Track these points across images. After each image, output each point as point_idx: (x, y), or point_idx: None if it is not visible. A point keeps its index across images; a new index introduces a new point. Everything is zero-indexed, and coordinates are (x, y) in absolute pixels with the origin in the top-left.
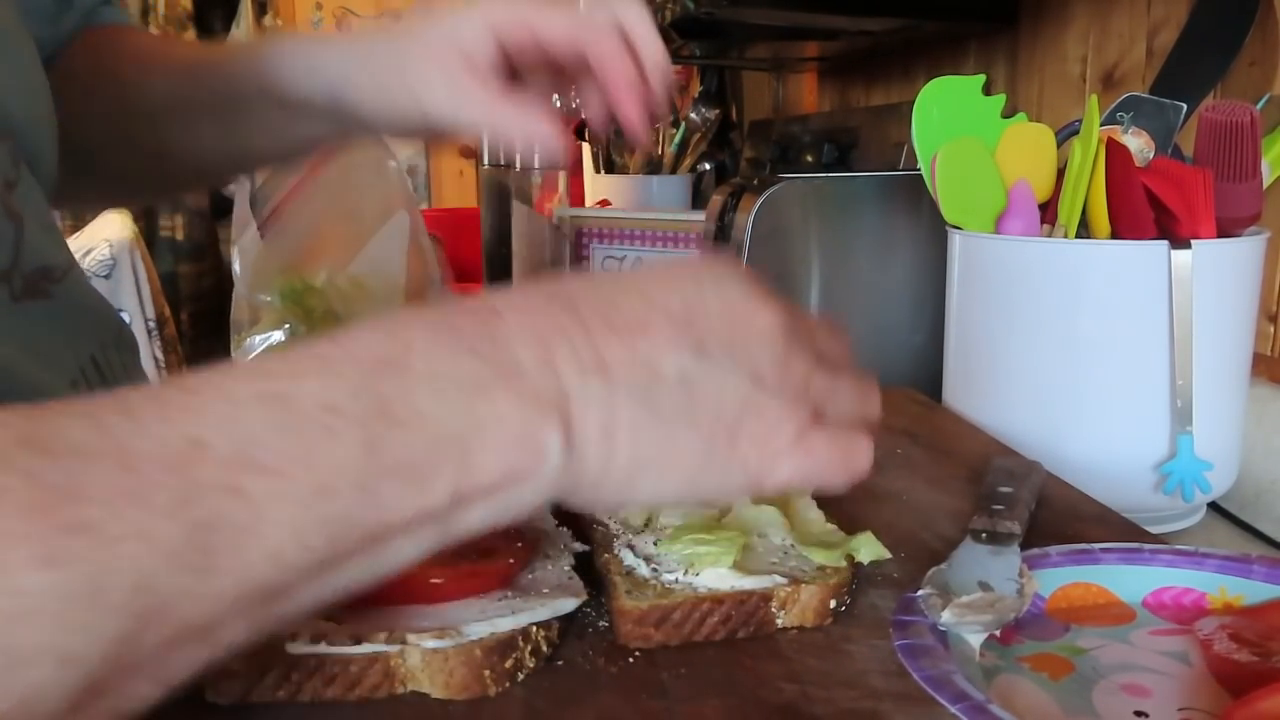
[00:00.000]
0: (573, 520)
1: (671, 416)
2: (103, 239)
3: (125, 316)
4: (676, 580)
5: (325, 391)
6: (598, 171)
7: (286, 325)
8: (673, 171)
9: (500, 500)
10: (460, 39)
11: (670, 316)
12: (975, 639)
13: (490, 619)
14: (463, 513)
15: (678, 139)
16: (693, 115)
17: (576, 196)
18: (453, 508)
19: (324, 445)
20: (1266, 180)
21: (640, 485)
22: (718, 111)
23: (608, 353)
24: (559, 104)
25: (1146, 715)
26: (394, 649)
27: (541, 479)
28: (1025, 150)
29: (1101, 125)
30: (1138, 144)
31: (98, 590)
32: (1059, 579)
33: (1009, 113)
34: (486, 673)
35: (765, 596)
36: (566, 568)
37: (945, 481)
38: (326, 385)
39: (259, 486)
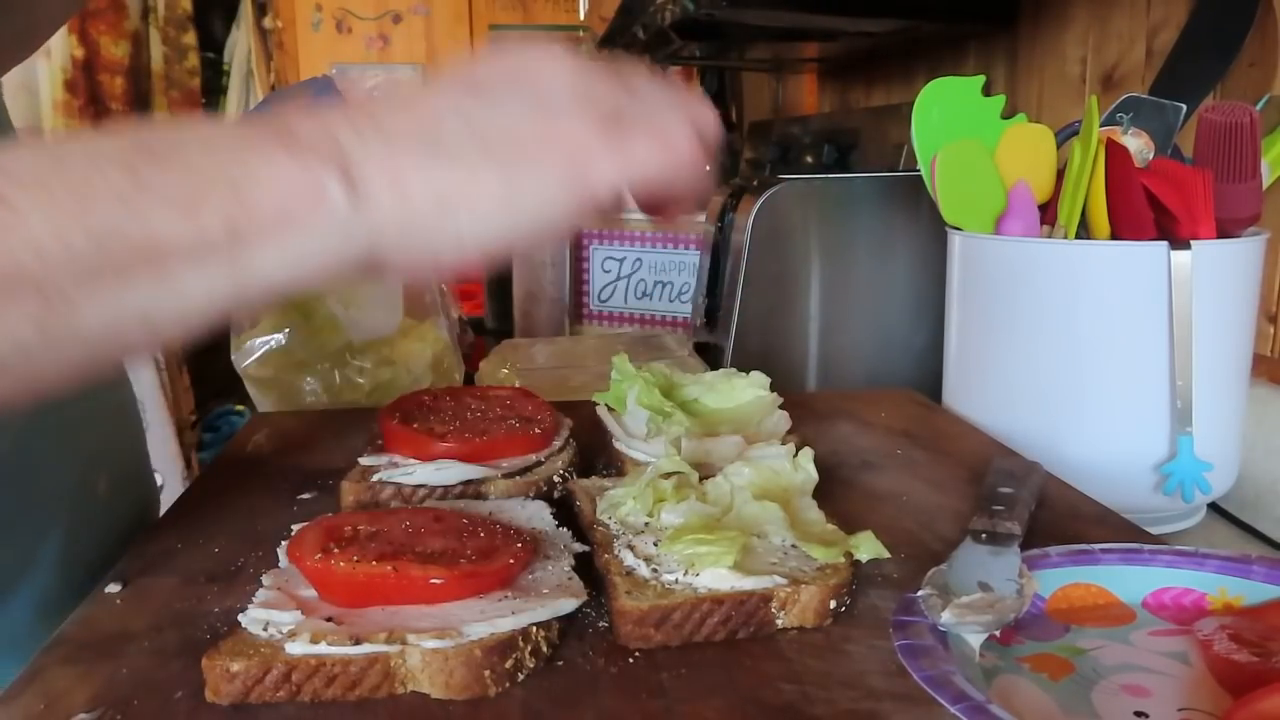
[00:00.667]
0: (573, 521)
1: (460, 153)
2: None
3: None
4: (676, 581)
5: (100, 141)
6: None
7: (287, 330)
8: None
9: (289, 243)
10: None
11: (452, 83)
12: (975, 639)
13: (490, 619)
14: (248, 252)
15: None
16: None
17: None
18: (233, 243)
19: (87, 171)
20: (1266, 181)
21: (453, 225)
22: (718, 112)
23: (386, 120)
24: None
25: (1146, 715)
26: (394, 649)
27: (330, 224)
28: (1025, 151)
29: (1101, 126)
30: (1137, 144)
31: None
32: (1059, 579)
33: (1009, 113)
34: (486, 673)
35: (765, 597)
36: (566, 568)
37: (945, 482)
38: (103, 139)
39: (23, 197)
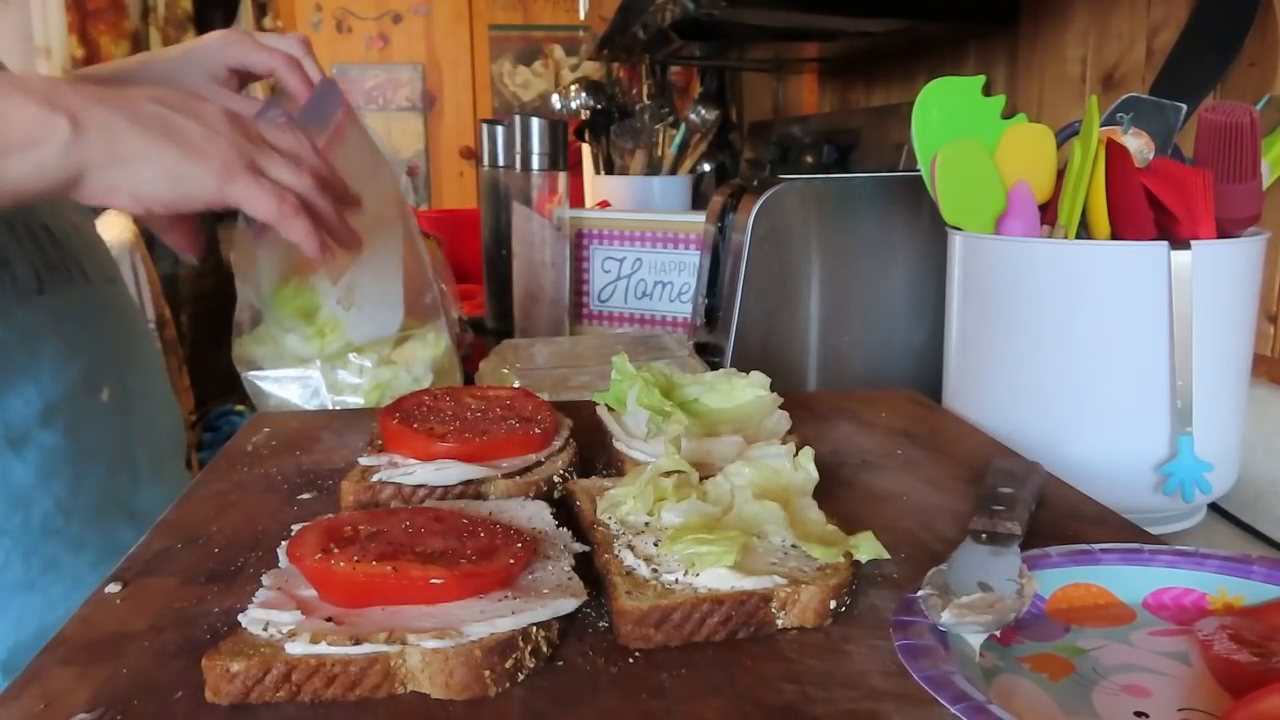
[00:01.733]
0: (573, 521)
1: (153, 130)
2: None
3: None
4: (676, 581)
5: None
6: (598, 173)
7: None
8: (673, 172)
9: (28, 157)
10: (207, 66)
11: (144, 93)
12: (975, 639)
13: (490, 619)
14: (3, 162)
15: (678, 140)
16: (693, 116)
17: (576, 198)
18: None
19: None
20: (1266, 181)
21: (137, 172)
22: (718, 112)
23: (103, 94)
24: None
25: (1146, 715)
26: (394, 649)
27: (56, 148)
28: (1025, 151)
29: (1101, 126)
30: (1137, 144)
31: None
32: (1059, 579)
33: (1009, 113)
34: (486, 673)
35: (765, 597)
36: (566, 568)
37: (945, 482)
38: None
39: None
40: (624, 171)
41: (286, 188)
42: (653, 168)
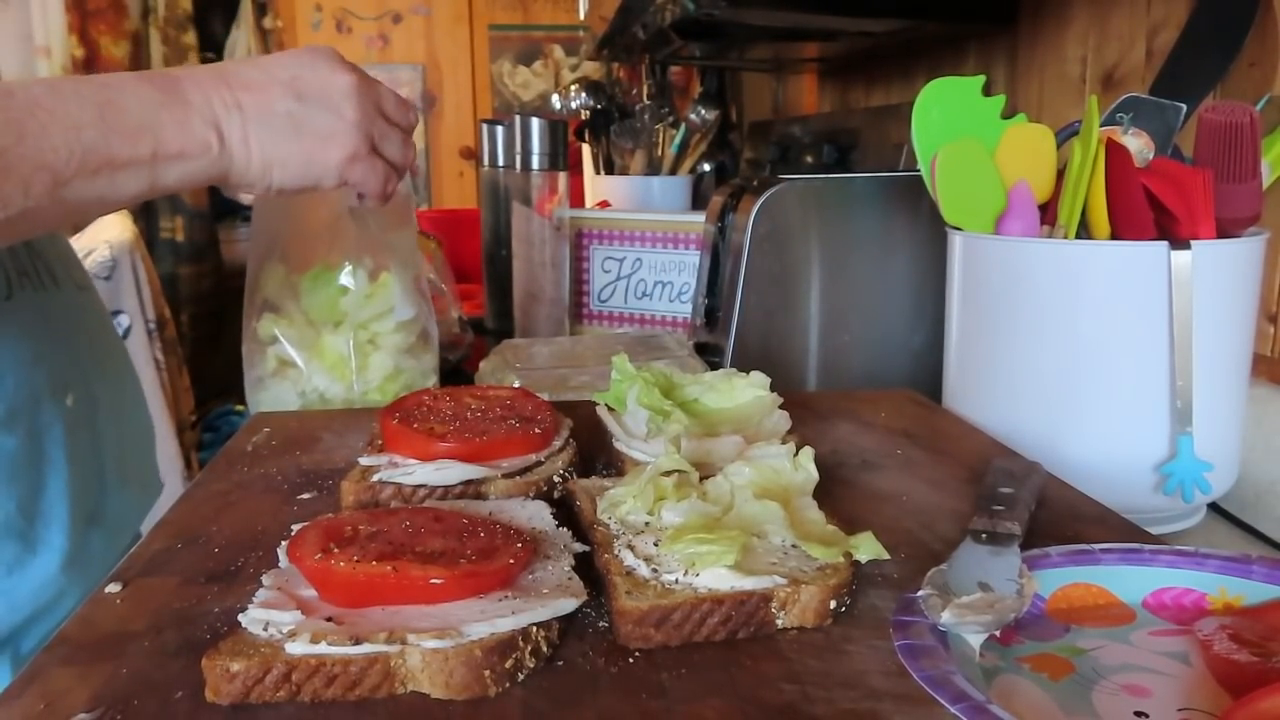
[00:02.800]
0: (573, 521)
1: (285, 132)
2: (103, 240)
3: (125, 318)
4: (677, 581)
5: (78, 84)
6: (598, 173)
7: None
8: (673, 172)
9: (185, 166)
10: None
11: (280, 81)
12: (975, 639)
13: (490, 619)
14: (160, 169)
15: (678, 140)
16: (692, 116)
17: (576, 198)
18: (154, 164)
19: (76, 107)
20: (1266, 180)
21: (273, 172)
22: (718, 112)
23: (243, 99)
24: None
25: (1146, 715)
26: (394, 649)
27: (208, 160)
28: (1025, 151)
29: (1101, 126)
30: (1137, 145)
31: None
32: (1059, 579)
33: (1009, 113)
34: (486, 673)
35: (765, 597)
36: (566, 568)
37: (945, 482)
38: (79, 83)
39: (40, 117)
40: (624, 171)
41: (392, 164)
42: (653, 168)
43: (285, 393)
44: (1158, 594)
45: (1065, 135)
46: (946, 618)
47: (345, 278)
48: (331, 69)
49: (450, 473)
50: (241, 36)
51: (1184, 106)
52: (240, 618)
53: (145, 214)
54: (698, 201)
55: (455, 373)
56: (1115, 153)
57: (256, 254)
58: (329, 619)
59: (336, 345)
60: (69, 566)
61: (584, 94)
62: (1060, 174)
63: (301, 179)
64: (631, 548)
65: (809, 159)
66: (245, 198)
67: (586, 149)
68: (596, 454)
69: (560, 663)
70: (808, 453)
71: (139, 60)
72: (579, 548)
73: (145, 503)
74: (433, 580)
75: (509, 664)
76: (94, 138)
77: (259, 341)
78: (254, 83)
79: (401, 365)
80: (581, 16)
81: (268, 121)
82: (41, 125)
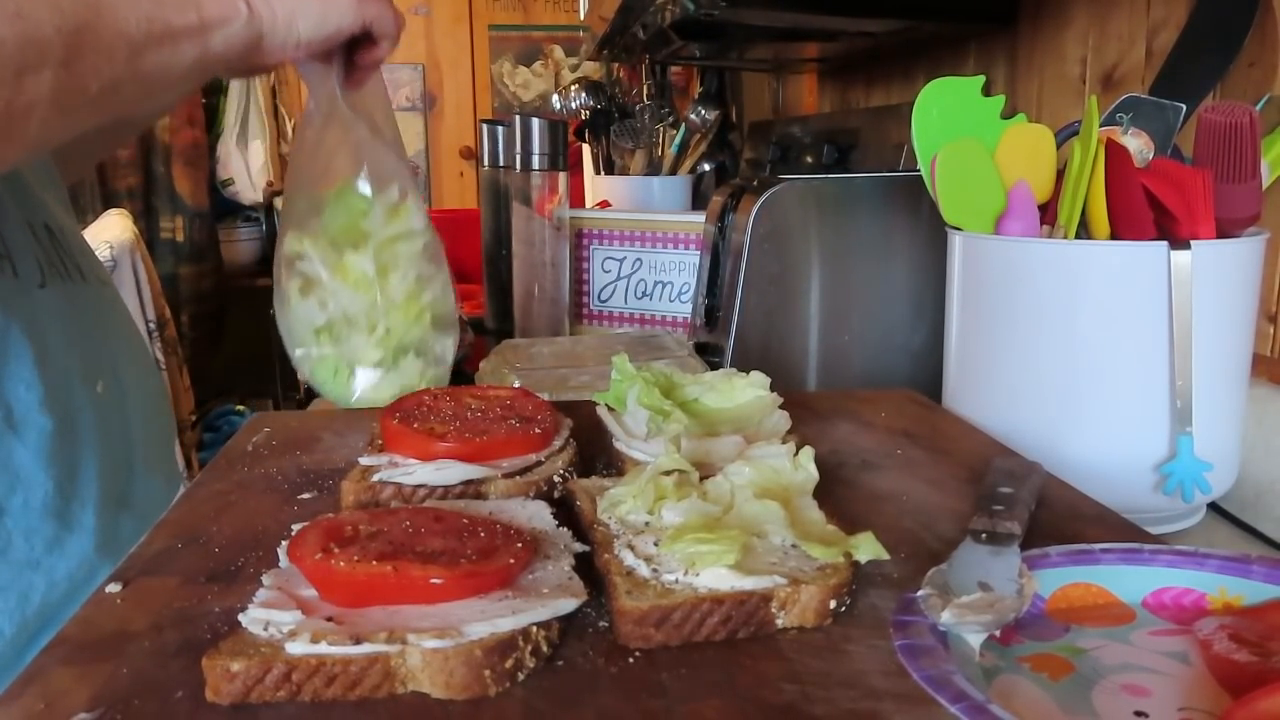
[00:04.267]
0: (573, 521)
1: None
2: (103, 241)
3: None
4: (677, 580)
5: (132, 4)
6: (598, 172)
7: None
8: (673, 172)
9: (224, 32)
10: None
11: None
12: (975, 639)
13: (490, 619)
14: (208, 35)
15: (678, 140)
16: (693, 116)
17: (576, 198)
18: (201, 30)
19: (132, 19)
20: (1266, 181)
21: (296, 26)
22: (718, 112)
23: None
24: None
25: (1146, 715)
26: (394, 649)
27: (242, 23)
28: (1025, 151)
29: (1101, 126)
30: (1137, 145)
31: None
32: (1059, 579)
33: (1009, 113)
34: (486, 673)
35: (765, 597)
36: (567, 568)
37: (945, 481)
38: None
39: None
40: (624, 171)
41: (398, 12)
42: (653, 168)
43: (310, 310)
44: (1157, 594)
45: (1065, 135)
46: (946, 618)
47: (363, 188)
48: None
49: (450, 473)
50: None
51: (1184, 106)
52: (240, 618)
53: (145, 214)
54: (698, 201)
55: (455, 373)
56: (1115, 153)
57: (291, 183)
58: (329, 619)
59: (359, 264)
60: (101, 548)
61: (584, 94)
62: (1060, 174)
63: (322, 26)
64: (631, 548)
65: (809, 159)
66: (254, 163)
67: (586, 149)
68: (596, 454)
69: (560, 662)
70: (808, 453)
71: None
72: (579, 548)
73: (169, 493)
74: (433, 580)
75: (509, 664)
76: (151, 8)
77: (285, 260)
78: None
79: (424, 273)
80: (581, 16)
81: None
82: (111, 3)
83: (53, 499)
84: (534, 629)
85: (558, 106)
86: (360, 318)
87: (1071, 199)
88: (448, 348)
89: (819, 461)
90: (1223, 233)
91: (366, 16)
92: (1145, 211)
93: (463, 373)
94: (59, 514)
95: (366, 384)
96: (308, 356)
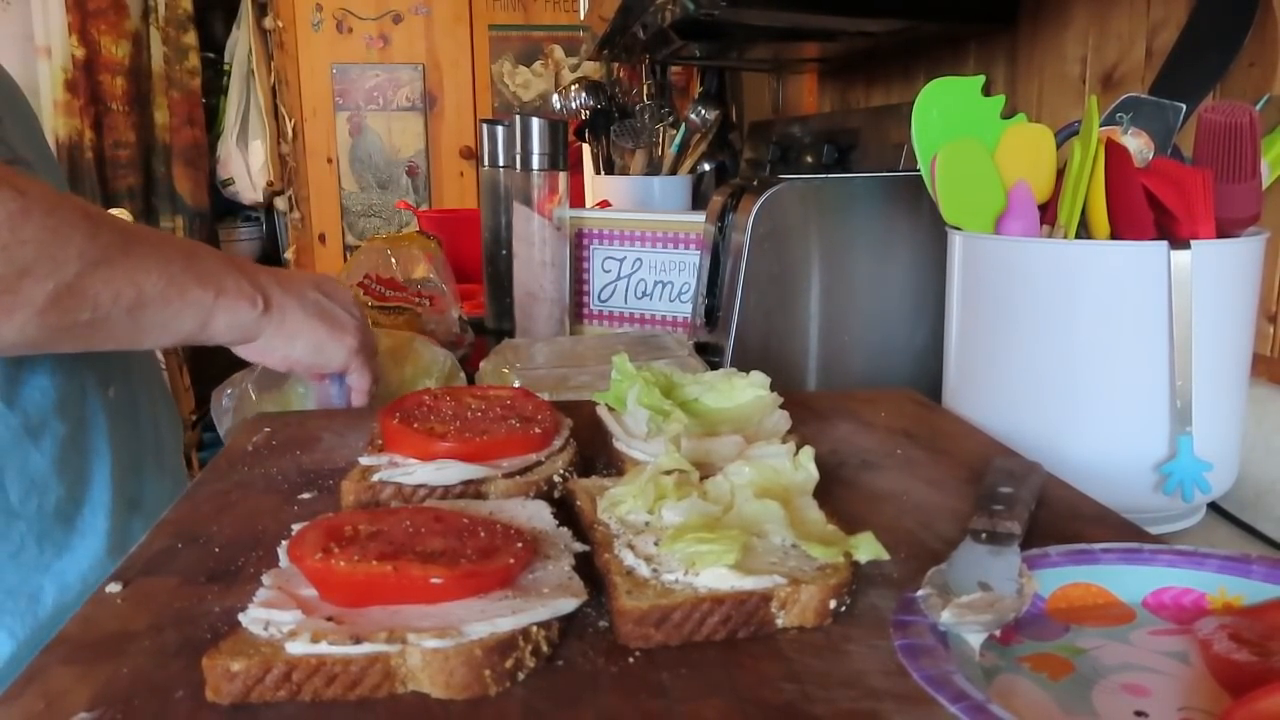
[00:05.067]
0: (573, 521)
1: (313, 314)
2: None
3: None
4: (677, 580)
5: (171, 236)
6: (598, 172)
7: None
8: (673, 172)
9: (234, 316)
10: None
11: (307, 280)
12: (975, 639)
13: (490, 619)
14: (215, 314)
15: (678, 140)
16: (693, 116)
17: (576, 198)
18: (213, 308)
19: (171, 248)
20: (1266, 180)
21: (296, 343)
22: (718, 112)
23: (283, 282)
24: (558, 105)
25: (1146, 715)
26: (394, 649)
27: (253, 316)
28: (1025, 151)
29: (1101, 126)
30: (1137, 144)
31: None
32: (1059, 579)
33: (1008, 113)
34: (486, 673)
35: (765, 596)
36: (567, 568)
37: (945, 481)
38: (171, 236)
39: (145, 244)
40: (624, 171)
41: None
42: (653, 168)
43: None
44: (1157, 594)
45: (1065, 135)
46: (946, 617)
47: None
48: (338, 284)
49: (450, 473)
50: (242, 36)
51: (1184, 106)
52: (240, 617)
53: (145, 214)
54: (698, 201)
55: None
56: (1115, 153)
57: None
58: (329, 619)
59: None
60: (114, 550)
61: (584, 94)
62: (1060, 174)
63: (315, 355)
64: (631, 547)
65: (809, 159)
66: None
67: (586, 149)
68: (596, 454)
69: (560, 662)
70: (808, 452)
71: (139, 60)
72: (579, 547)
73: (178, 493)
74: (433, 580)
75: (509, 663)
76: (178, 272)
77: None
78: (289, 276)
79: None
80: (581, 16)
81: (300, 303)
82: (143, 254)
83: (64, 504)
84: (534, 629)
85: (558, 106)
86: None
87: (1071, 199)
88: None
89: (819, 461)
90: (1223, 233)
91: (354, 366)
92: (1145, 211)
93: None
94: (69, 519)
95: None
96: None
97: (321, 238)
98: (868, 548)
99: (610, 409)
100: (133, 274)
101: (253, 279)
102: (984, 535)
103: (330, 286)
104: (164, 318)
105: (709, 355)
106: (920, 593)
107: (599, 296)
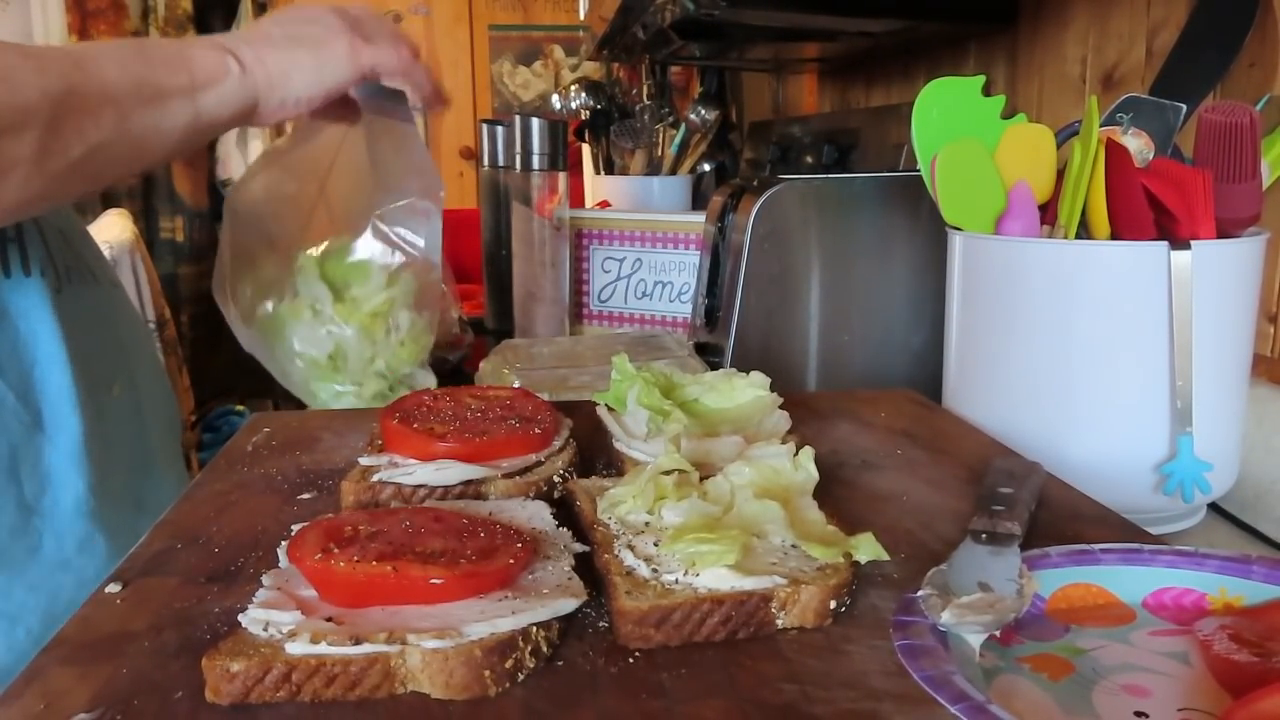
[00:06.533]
0: (573, 521)
1: (287, 46)
2: (103, 241)
3: None
4: (677, 581)
5: (112, 40)
6: (598, 172)
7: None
8: (673, 172)
9: (219, 91)
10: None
11: (267, 20)
12: (975, 639)
13: (490, 619)
14: (199, 95)
15: (678, 140)
16: (693, 116)
17: (576, 198)
18: (193, 90)
19: (118, 51)
20: (1266, 181)
21: (291, 80)
22: (718, 112)
23: (243, 35)
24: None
25: (1146, 715)
26: (394, 649)
27: (235, 82)
28: (1025, 151)
29: (1101, 126)
30: (1137, 145)
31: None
32: (1059, 579)
33: (1009, 113)
34: (486, 673)
35: (765, 597)
36: (567, 568)
37: (945, 482)
38: (112, 40)
39: (95, 59)
40: (624, 171)
41: (396, 44)
42: (653, 168)
43: (316, 338)
44: (1158, 594)
45: (1065, 135)
46: (946, 618)
47: (364, 251)
48: (305, 5)
49: (450, 473)
50: None
51: (1184, 106)
52: (240, 618)
53: (145, 214)
54: (698, 201)
55: (455, 373)
56: (1115, 153)
57: (238, 250)
58: (329, 619)
59: (366, 306)
60: (123, 550)
61: (584, 94)
62: (1060, 174)
63: (319, 80)
64: (631, 548)
65: (809, 159)
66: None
67: (586, 149)
68: (596, 454)
69: (560, 663)
70: (808, 453)
71: None
72: (579, 548)
73: (176, 489)
74: (433, 580)
75: (509, 664)
76: (141, 69)
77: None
78: (248, 28)
79: (418, 320)
80: (581, 16)
81: (270, 43)
82: (98, 65)
83: (85, 500)
84: (534, 629)
85: (558, 106)
86: (363, 351)
87: (1071, 199)
88: (430, 380)
89: (819, 461)
90: (1223, 233)
91: (364, 63)
92: (1145, 211)
93: (463, 373)
94: (92, 514)
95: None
96: (302, 370)
97: None
98: (868, 548)
99: (610, 409)
100: (101, 91)
101: (214, 46)
102: (984, 536)
103: (289, 14)
104: (153, 119)
105: (709, 355)
106: (920, 593)
107: (599, 296)
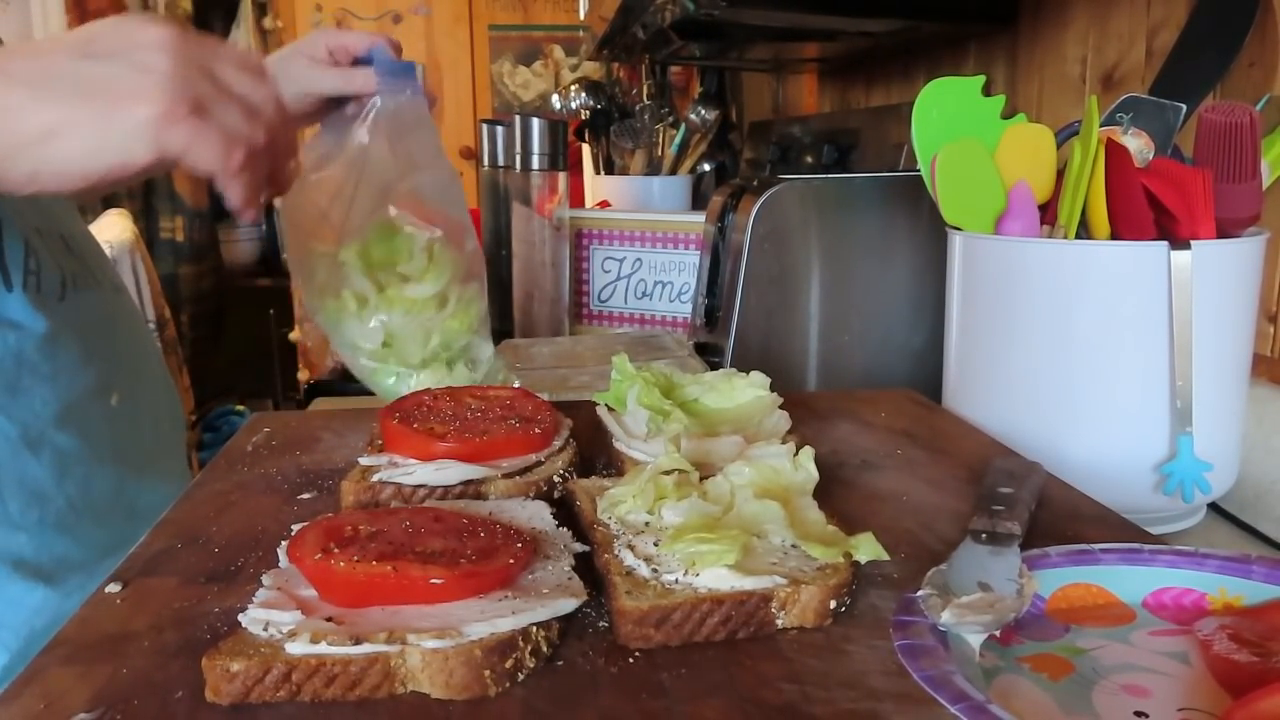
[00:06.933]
0: (573, 521)
1: (63, 94)
2: (103, 241)
3: None
4: (677, 581)
5: None
6: (598, 172)
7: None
8: (673, 172)
9: None
10: (306, 49)
11: (69, 44)
12: (975, 639)
13: (490, 619)
14: None
15: (678, 140)
16: (693, 116)
17: (576, 198)
18: None
19: None
20: (1266, 181)
21: (56, 144)
22: (718, 112)
23: (13, 67)
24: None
25: (1146, 715)
26: (394, 649)
27: None
28: (1025, 151)
29: (1101, 126)
30: (1137, 144)
31: None
32: (1059, 579)
33: (1009, 113)
34: (486, 673)
35: (765, 597)
36: (567, 568)
37: (945, 482)
38: None
39: None
40: (624, 171)
41: (234, 136)
42: (653, 168)
43: (367, 326)
44: (1158, 594)
45: (1065, 135)
46: (946, 618)
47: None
48: (141, 25)
49: (450, 473)
50: (241, 37)
51: (1184, 106)
52: (240, 618)
53: (145, 214)
54: (698, 201)
55: None
56: (1115, 153)
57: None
58: (329, 619)
59: (413, 291)
60: (112, 557)
61: (584, 94)
62: (1060, 174)
63: (98, 150)
64: (631, 548)
65: (809, 159)
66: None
67: (586, 149)
68: (596, 454)
69: (560, 663)
70: (808, 453)
71: None
72: (579, 548)
73: (175, 493)
74: (433, 580)
75: (509, 664)
76: None
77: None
78: (36, 50)
79: (467, 291)
80: (581, 16)
81: (44, 84)
82: None
83: (65, 515)
84: (534, 629)
85: (558, 106)
86: (415, 333)
87: (1071, 199)
88: (488, 349)
89: (819, 461)
90: (1223, 233)
91: (169, 143)
92: (1145, 211)
93: None
94: (70, 529)
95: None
96: (367, 364)
97: None
98: (868, 548)
99: (610, 409)
100: None
101: None
102: (984, 535)
103: (106, 37)
104: None
105: (709, 355)
106: (920, 593)
107: (599, 296)
